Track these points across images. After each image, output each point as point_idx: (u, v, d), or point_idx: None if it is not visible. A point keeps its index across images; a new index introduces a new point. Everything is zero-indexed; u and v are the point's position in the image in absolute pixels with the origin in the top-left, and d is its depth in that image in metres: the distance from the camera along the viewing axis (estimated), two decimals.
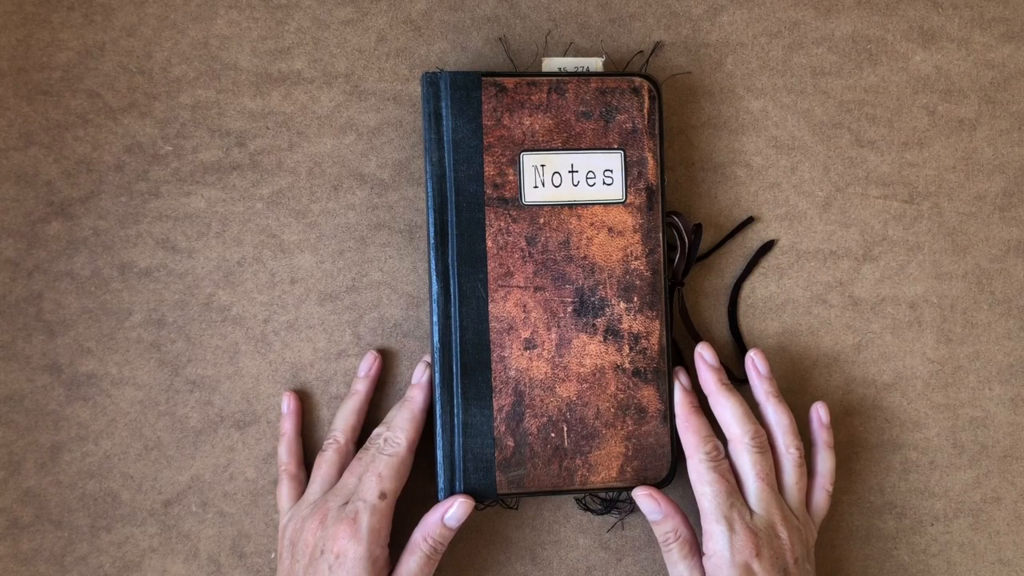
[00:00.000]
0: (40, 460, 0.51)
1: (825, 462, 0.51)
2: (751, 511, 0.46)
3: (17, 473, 0.51)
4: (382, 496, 0.46)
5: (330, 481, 0.48)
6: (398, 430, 0.48)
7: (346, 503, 0.46)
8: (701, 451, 0.47)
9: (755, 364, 0.51)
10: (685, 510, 0.50)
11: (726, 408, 0.49)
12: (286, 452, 0.51)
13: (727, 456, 0.48)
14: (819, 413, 0.52)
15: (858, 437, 0.55)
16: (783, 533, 0.46)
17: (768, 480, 0.47)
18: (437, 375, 0.48)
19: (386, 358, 0.53)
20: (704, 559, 0.46)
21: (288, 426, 0.51)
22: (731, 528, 0.45)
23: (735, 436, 0.48)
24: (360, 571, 0.44)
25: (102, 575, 0.51)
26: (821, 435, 0.51)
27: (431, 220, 0.48)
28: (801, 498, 0.49)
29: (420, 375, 0.50)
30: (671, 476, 0.49)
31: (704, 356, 0.51)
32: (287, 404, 0.51)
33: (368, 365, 0.52)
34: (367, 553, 0.44)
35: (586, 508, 0.53)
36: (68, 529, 0.51)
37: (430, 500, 0.48)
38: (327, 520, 0.45)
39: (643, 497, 0.48)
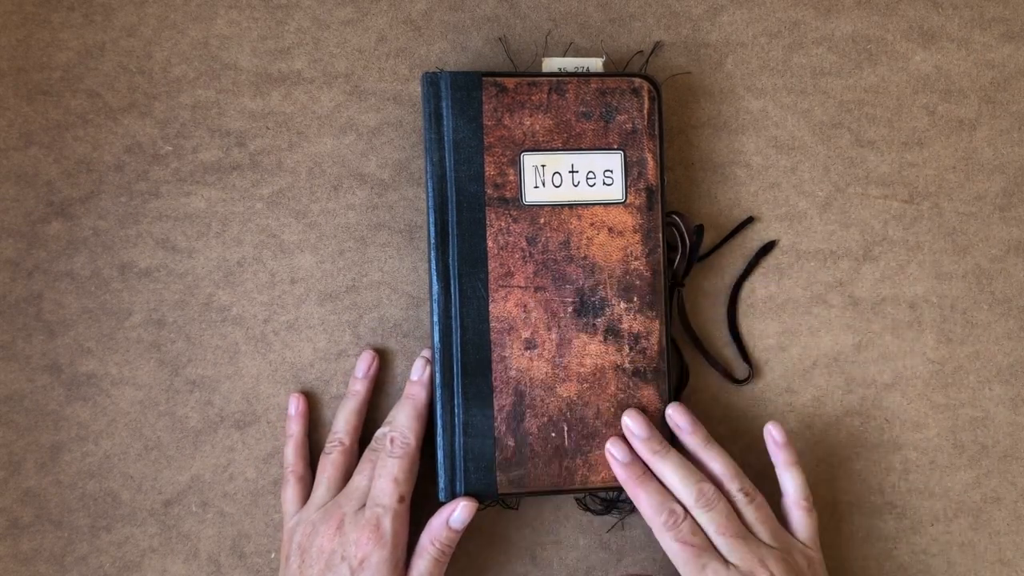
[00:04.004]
0: (40, 460, 0.51)
1: (791, 481, 0.49)
2: (727, 564, 0.45)
3: (17, 473, 0.51)
4: (401, 500, 0.46)
5: (336, 483, 0.48)
6: (405, 429, 0.48)
7: (361, 507, 0.46)
8: (658, 522, 0.46)
9: (676, 420, 0.49)
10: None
11: (666, 474, 0.47)
12: (293, 454, 0.50)
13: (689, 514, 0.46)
14: (772, 434, 0.50)
15: (858, 437, 0.55)
16: (763, 573, 0.44)
17: (731, 531, 0.46)
18: (438, 375, 0.48)
19: (386, 358, 0.53)
20: None
21: (296, 428, 0.51)
22: None
23: (684, 501, 0.46)
24: (385, 574, 0.44)
25: (102, 575, 0.51)
26: (779, 456, 0.50)
27: (432, 220, 0.48)
28: (773, 528, 0.47)
29: (420, 371, 0.50)
30: None
31: (631, 428, 0.48)
32: (295, 406, 0.51)
33: (366, 365, 0.51)
34: (391, 556, 0.45)
35: (586, 508, 0.53)
36: (68, 529, 0.51)
37: (430, 500, 0.48)
38: (344, 525, 0.45)
39: None
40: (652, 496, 0.46)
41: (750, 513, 0.47)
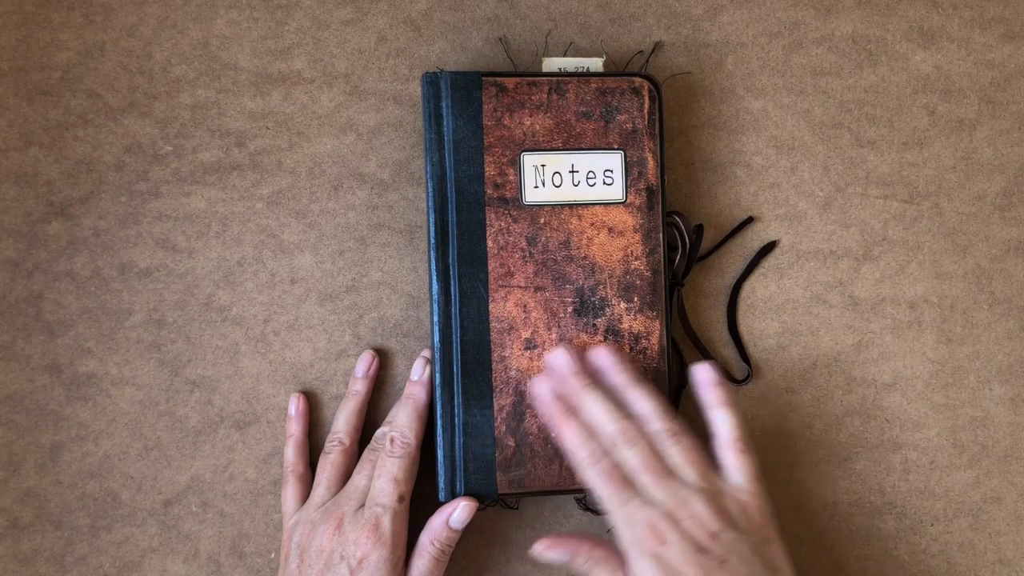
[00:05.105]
0: (40, 460, 0.51)
1: (722, 421, 0.46)
2: (651, 501, 0.43)
3: (17, 473, 0.51)
4: (400, 500, 0.46)
5: (336, 483, 0.49)
6: (406, 429, 0.48)
7: (361, 507, 0.46)
8: (581, 455, 0.44)
9: (602, 360, 0.47)
10: None
11: (590, 408, 0.45)
12: (294, 453, 0.50)
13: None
14: (699, 374, 0.47)
15: (858, 437, 0.55)
16: (685, 513, 0.42)
17: (652, 468, 0.43)
18: (438, 375, 0.48)
19: (386, 358, 0.53)
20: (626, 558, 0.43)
21: (296, 428, 0.51)
22: (630, 523, 0.42)
23: (608, 437, 0.44)
24: (385, 573, 0.44)
25: (102, 575, 0.51)
26: (707, 395, 0.47)
27: (431, 220, 0.48)
28: (701, 470, 0.44)
29: (420, 371, 0.50)
30: None
31: (559, 363, 0.46)
32: (295, 406, 0.51)
33: (366, 365, 0.52)
34: (390, 556, 0.45)
35: (586, 508, 0.53)
36: (68, 529, 0.51)
37: (430, 500, 0.48)
38: (343, 525, 0.45)
39: (546, 552, 0.45)
40: (576, 431, 0.44)
41: (675, 453, 0.44)
